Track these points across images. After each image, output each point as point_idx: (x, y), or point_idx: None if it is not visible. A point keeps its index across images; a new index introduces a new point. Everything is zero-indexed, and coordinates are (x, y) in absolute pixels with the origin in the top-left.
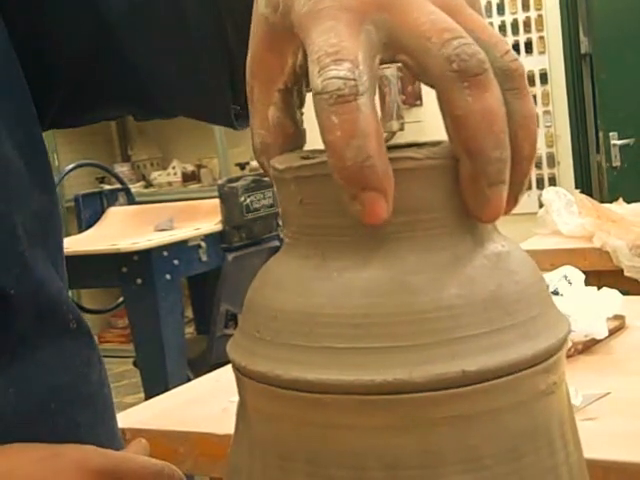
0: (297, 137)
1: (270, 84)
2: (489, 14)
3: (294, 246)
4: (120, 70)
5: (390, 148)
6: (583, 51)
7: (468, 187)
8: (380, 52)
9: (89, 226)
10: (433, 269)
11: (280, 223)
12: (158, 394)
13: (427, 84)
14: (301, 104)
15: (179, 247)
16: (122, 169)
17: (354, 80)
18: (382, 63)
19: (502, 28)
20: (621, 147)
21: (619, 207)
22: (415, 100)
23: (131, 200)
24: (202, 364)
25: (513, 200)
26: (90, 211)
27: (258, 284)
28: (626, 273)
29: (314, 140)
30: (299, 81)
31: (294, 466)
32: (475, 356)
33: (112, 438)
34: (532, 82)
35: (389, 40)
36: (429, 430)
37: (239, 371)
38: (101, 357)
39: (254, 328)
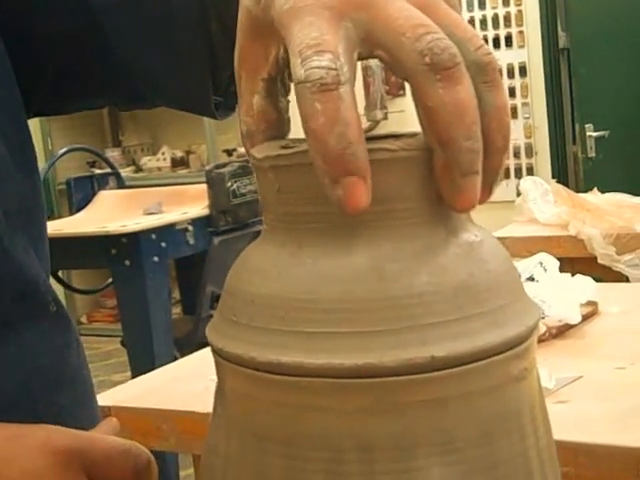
0: (281, 125)
1: (255, 73)
2: (470, 9)
3: (272, 233)
4: (105, 59)
5: (368, 139)
6: (561, 45)
7: (442, 177)
8: (358, 47)
9: (80, 209)
10: (406, 257)
11: None
12: (145, 372)
13: (402, 78)
14: (286, 92)
15: (167, 230)
16: (113, 154)
17: (336, 70)
18: (360, 58)
19: (483, 22)
20: (597, 139)
21: (594, 197)
22: (398, 90)
23: (121, 184)
24: (188, 343)
25: (488, 190)
26: (81, 194)
27: (237, 269)
28: (599, 260)
29: (299, 129)
30: (282, 71)
31: (270, 447)
32: (444, 342)
33: (92, 419)
34: (511, 75)
35: (366, 36)
36: (402, 413)
37: (216, 353)
38: (79, 339)
39: (231, 312)
